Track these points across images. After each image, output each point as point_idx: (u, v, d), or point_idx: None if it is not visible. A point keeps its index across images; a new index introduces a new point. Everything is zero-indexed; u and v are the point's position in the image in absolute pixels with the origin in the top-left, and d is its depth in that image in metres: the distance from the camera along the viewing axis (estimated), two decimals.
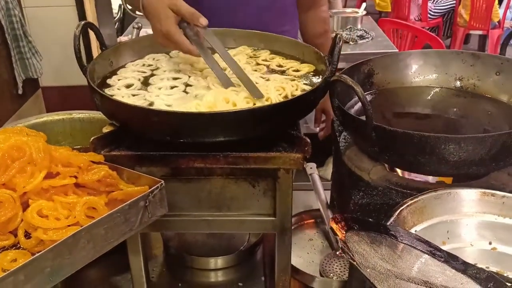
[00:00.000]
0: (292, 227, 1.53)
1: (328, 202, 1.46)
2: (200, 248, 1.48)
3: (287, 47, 1.43)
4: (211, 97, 1.14)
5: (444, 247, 0.95)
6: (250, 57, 1.42)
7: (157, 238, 1.52)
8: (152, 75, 1.33)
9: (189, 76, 1.30)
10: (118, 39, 3.11)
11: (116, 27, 3.81)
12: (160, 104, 1.16)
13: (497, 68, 1.35)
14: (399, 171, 1.19)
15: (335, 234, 0.77)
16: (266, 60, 1.38)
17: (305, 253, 1.47)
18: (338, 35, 1.21)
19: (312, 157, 1.11)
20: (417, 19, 6.41)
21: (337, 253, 1.40)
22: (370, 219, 0.92)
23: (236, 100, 1.13)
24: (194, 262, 1.44)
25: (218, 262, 1.44)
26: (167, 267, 1.46)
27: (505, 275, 0.95)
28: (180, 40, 1.21)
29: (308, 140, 1.08)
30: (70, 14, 2.56)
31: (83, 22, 1.25)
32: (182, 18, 1.22)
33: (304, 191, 1.77)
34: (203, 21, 1.21)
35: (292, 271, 1.30)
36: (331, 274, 1.37)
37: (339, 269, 1.38)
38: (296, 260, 1.42)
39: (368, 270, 0.73)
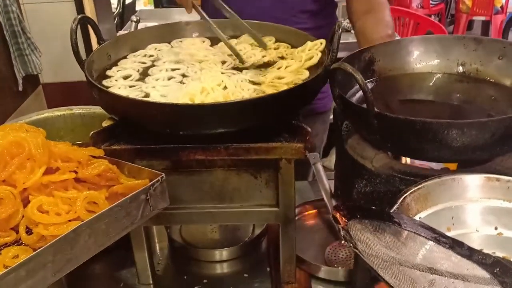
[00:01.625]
0: (296, 217, 1.52)
1: (332, 191, 1.45)
2: (205, 240, 1.48)
3: (288, 36, 1.41)
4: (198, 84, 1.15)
5: (449, 234, 0.94)
6: (255, 45, 1.41)
7: (161, 231, 1.52)
8: (152, 65, 1.32)
9: (187, 67, 1.29)
10: (118, 34, 3.10)
11: (115, 22, 3.80)
12: (156, 95, 1.15)
13: (500, 52, 1.33)
14: (402, 158, 1.18)
15: (337, 222, 0.77)
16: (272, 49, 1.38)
17: (310, 243, 1.46)
18: (338, 23, 1.20)
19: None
20: (419, 6, 6.37)
21: (342, 242, 1.39)
22: (373, 207, 0.91)
23: (228, 83, 1.16)
24: (199, 254, 1.44)
25: (223, 253, 1.44)
26: (172, 260, 1.46)
27: (511, 260, 0.94)
28: None
29: (309, 129, 1.07)
30: (69, 9, 2.55)
31: (79, 16, 1.24)
32: None
33: (309, 181, 1.77)
34: None
35: (297, 261, 1.29)
36: (336, 264, 1.36)
37: (345, 258, 1.38)
38: (301, 250, 1.41)
39: (371, 258, 0.72)
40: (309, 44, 1.29)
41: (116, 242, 1.36)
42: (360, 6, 1.64)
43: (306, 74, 1.23)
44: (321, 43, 1.27)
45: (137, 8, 4.79)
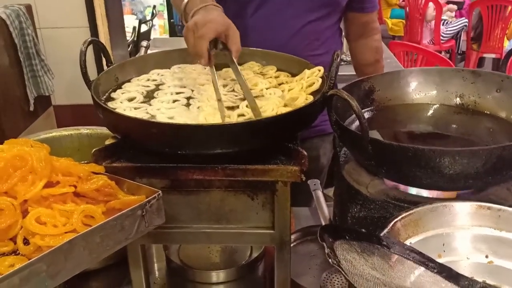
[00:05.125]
0: (295, 242, 1.53)
1: (331, 218, 1.46)
2: (202, 262, 1.49)
3: (289, 64, 1.45)
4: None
5: (440, 260, 0.95)
6: (258, 73, 1.45)
7: (159, 251, 1.53)
8: (156, 89, 1.36)
9: (192, 90, 1.33)
10: None
11: (129, 49, 3.90)
12: (162, 118, 1.19)
13: (498, 85, 1.36)
14: (397, 184, 1.19)
15: (323, 241, 0.78)
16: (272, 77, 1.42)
17: (306, 269, 1.47)
18: (336, 52, 1.24)
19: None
20: (430, 42, 6.44)
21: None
22: (363, 230, 0.92)
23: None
24: (196, 275, 1.44)
25: (220, 275, 1.44)
26: (168, 280, 1.47)
27: None
28: (204, 39, 1.23)
29: (305, 153, 1.09)
30: (84, 35, 2.64)
31: (89, 39, 1.29)
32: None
33: (310, 208, 1.78)
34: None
35: (292, 286, 1.29)
36: None
37: (340, 285, 1.38)
38: (297, 275, 1.42)
39: (354, 277, 0.73)
40: (307, 72, 1.32)
41: (116, 259, 1.39)
42: (355, 29, 1.90)
43: (311, 99, 1.26)
44: (319, 70, 1.30)
45: (152, 37, 4.91)
